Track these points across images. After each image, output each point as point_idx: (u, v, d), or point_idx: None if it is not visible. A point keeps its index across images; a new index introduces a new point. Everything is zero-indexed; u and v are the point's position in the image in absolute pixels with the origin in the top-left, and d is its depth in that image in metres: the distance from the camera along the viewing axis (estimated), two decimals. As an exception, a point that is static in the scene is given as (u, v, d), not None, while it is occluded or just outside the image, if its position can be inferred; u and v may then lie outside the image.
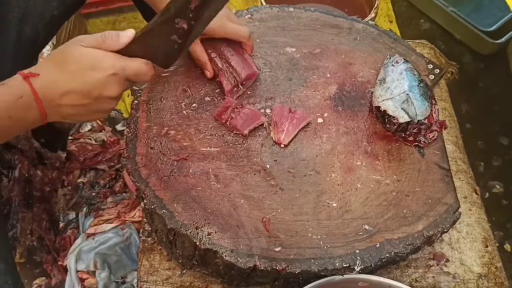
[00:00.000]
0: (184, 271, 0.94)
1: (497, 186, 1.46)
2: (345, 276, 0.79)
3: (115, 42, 0.69)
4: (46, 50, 1.33)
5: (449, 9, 1.70)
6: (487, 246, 0.99)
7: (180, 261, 0.92)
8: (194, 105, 0.91)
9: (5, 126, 0.64)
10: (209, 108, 0.91)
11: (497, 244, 1.06)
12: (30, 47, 0.89)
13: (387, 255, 0.79)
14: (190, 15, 0.69)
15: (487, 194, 1.44)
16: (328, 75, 0.97)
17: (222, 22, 0.87)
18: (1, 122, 0.63)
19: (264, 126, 0.90)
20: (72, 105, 0.68)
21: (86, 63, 0.67)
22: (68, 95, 0.67)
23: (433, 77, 1.18)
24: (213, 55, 0.91)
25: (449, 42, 1.73)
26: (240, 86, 0.91)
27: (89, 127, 1.45)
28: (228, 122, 0.88)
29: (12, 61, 0.84)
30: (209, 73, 0.91)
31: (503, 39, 1.63)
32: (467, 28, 1.67)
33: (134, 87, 0.92)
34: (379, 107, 0.89)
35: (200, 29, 0.75)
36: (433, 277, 0.95)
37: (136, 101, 0.91)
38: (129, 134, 0.87)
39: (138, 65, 0.72)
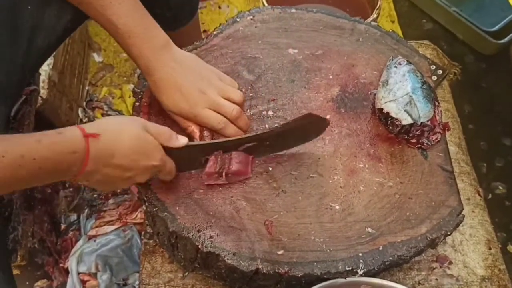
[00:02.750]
0: (186, 274, 0.94)
1: (500, 187, 1.46)
2: (348, 279, 0.78)
3: (171, 143, 0.75)
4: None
5: (451, 9, 1.69)
6: (490, 249, 0.99)
7: (182, 264, 0.92)
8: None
9: (46, 173, 0.62)
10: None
11: (500, 246, 1.06)
12: (39, 58, 0.89)
13: (390, 258, 0.79)
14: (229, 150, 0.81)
15: (490, 195, 1.44)
16: (331, 77, 0.97)
17: (193, 110, 0.83)
18: (45, 169, 0.61)
19: (266, 127, 0.89)
20: (107, 175, 0.69)
21: (143, 147, 0.71)
22: (112, 167, 0.69)
23: (436, 78, 1.17)
24: (205, 133, 0.85)
25: (451, 42, 1.73)
26: (223, 177, 0.82)
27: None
28: (224, 174, 0.82)
29: (20, 72, 0.83)
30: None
31: (506, 39, 1.62)
32: (470, 28, 1.66)
33: (135, 89, 0.92)
34: (382, 109, 0.89)
35: None
36: (436, 279, 0.94)
37: (137, 103, 0.91)
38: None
39: (172, 167, 0.78)
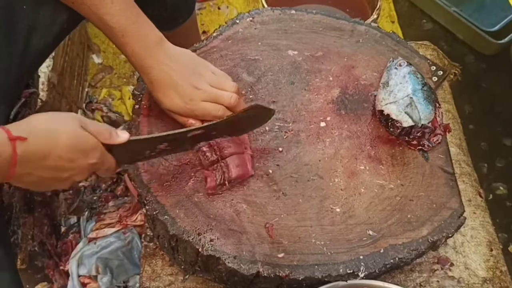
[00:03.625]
0: (187, 276, 0.93)
1: (501, 188, 1.46)
2: (349, 282, 0.78)
3: (111, 139, 0.71)
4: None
5: (452, 9, 1.69)
6: (491, 250, 0.99)
7: (182, 266, 0.92)
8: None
9: None
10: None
11: (501, 247, 1.05)
12: (37, 58, 0.89)
13: (391, 260, 0.79)
14: (174, 142, 0.77)
15: (491, 196, 1.43)
16: (331, 78, 0.96)
17: (189, 105, 0.82)
18: None
19: (266, 129, 0.89)
20: (42, 177, 0.66)
21: (79, 146, 0.66)
22: (46, 169, 0.65)
23: (436, 79, 1.17)
24: (202, 143, 0.83)
25: (451, 42, 1.72)
26: (227, 184, 0.81)
27: (90, 130, 1.45)
28: (227, 182, 0.81)
29: (17, 72, 0.84)
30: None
31: (506, 39, 1.62)
32: (470, 28, 1.66)
33: (135, 91, 0.92)
34: (383, 110, 0.88)
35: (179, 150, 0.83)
36: (438, 281, 0.94)
37: (137, 106, 0.90)
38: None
39: (112, 163, 0.74)
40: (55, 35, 0.87)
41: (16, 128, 0.62)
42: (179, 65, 0.83)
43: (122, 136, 0.72)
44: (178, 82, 0.82)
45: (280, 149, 0.88)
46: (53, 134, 0.64)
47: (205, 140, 0.83)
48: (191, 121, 0.85)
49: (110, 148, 0.72)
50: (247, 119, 0.82)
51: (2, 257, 0.79)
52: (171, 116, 0.87)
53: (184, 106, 0.83)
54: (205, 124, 0.80)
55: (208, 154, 0.83)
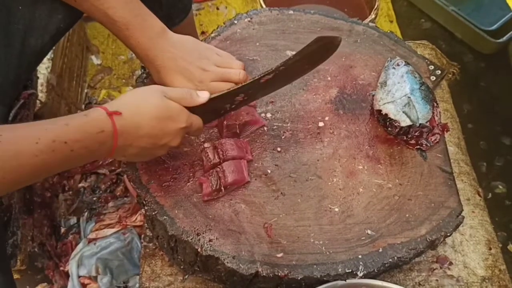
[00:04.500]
0: (186, 276, 0.94)
1: (500, 187, 1.46)
2: (348, 281, 0.78)
3: (193, 101, 0.77)
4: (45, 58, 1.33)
5: (450, 8, 1.69)
6: (490, 249, 0.99)
7: (182, 267, 0.92)
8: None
9: (79, 155, 0.65)
10: (213, 126, 0.90)
11: (500, 245, 1.05)
12: (34, 58, 0.89)
13: (390, 260, 0.79)
14: (249, 91, 0.83)
15: (490, 195, 1.43)
16: (329, 78, 0.96)
17: (200, 83, 0.85)
18: (77, 151, 0.64)
19: (264, 130, 0.89)
20: (141, 147, 0.72)
21: (167, 114, 0.73)
22: (143, 138, 0.71)
23: (434, 78, 1.17)
24: (206, 145, 0.85)
25: (450, 41, 1.73)
26: (222, 190, 0.82)
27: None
28: (223, 187, 0.81)
29: (15, 71, 0.84)
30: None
31: (504, 38, 1.62)
32: (468, 28, 1.66)
33: None
34: (381, 110, 0.89)
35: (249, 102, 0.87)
36: (437, 280, 0.94)
37: None
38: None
39: (200, 123, 0.80)
40: (52, 35, 0.88)
41: (110, 105, 0.69)
42: (184, 51, 0.85)
43: (202, 96, 0.78)
44: (186, 67, 0.84)
45: (279, 149, 0.88)
46: (142, 107, 0.71)
47: (274, 86, 0.86)
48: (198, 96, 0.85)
49: (193, 109, 0.77)
50: (313, 54, 0.84)
51: None
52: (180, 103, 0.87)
53: (196, 89, 0.83)
54: (275, 66, 0.82)
55: (210, 156, 0.83)
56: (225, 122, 0.86)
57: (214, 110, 0.84)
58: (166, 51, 0.84)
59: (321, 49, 0.84)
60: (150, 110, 0.71)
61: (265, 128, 0.90)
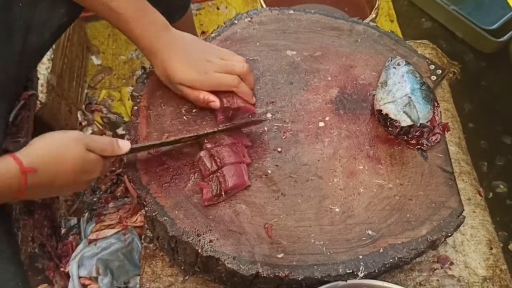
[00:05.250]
0: (187, 277, 0.93)
1: (501, 186, 1.45)
2: (349, 281, 0.78)
3: (115, 153, 0.77)
4: (45, 54, 1.33)
5: (451, 7, 1.69)
6: (491, 249, 0.99)
7: (182, 267, 0.92)
8: (194, 110, 0.90)
9: None
10: (209, 113, 0.90)
11: (501, 245, 1.05)
12: (34, 55, 0.90)
13: (391, 260, 0.79)
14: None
15: (491, 194, 1.43)
16: (329, 78, 0.96)
17: (203, 76, 0.85)
18: None
19: (265, 130, 0.89)
20: (47, 194, 0.76)
21: (83, 168, 0.72)
22: (50, 190, 0.72)
23: (435, 78, 1.17)
24: (202, 153, 0.84)
25: (450, 41, 1.72)
26: (223, 195, 0.81)
27: (90, 131, 1.45)
28: (224, 192, 0.81)
29: (16, 68, 0.84)
30: (215, 103, 0.87)
31: (505, 37, 1.62)
32: (469, 27, 1.66)
33: (134, 93, 0.92)
34: (381, 110, 0.88)
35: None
36: (438, 280, 0.94)
37: (136, 107, 0.90)
38: (130, 140, 0.87)
39: (107, 167, 0.80)
40: (52, 32, 0.89)
41: (25, 158, 0.66)
42: (188, 45, 0.87)
43: (123, 148, 0.78)
44: (191, 56, 0.85)
45: (279, 149, 0.88)
46: (60, 162, 0.69)
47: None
48: (204, 95, 0.86)
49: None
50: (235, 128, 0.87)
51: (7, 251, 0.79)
52: (181, 93, 0.88)
53: (199, 78, 0.85)
54: (200, 134, 0.84)
55: (208, 164, 0.82)
56: (204, 190, 0.83)
57: (135, 155, 0.85)
58: (171, 44, 0.85)
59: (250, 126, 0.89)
60: (67, 165, 0.70)
61: (265, 128, 0.90)
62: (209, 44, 0.92)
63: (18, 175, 0.65)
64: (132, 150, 0.80)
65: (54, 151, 0.70)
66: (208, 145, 0.84)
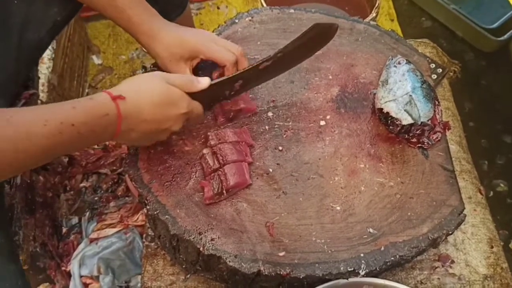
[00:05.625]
0: (188, 276, 0.94)
1: (501, 185, 1.46)
2: (350, 280, 0.78)
3: (194, 87, 0.79)
4: (46, 54, 1.33)
5: (451, 6, 1.69)
6: (492, 247, 0.99)
7: (184, 266, 0.92)
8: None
9: (85, 137, 0.67)
10: (210, 112, 0.90)
11: (502, 243, 1.05)
12: (32, 52, 0.90)
13: (392, 258, 0.79)
14: (248, 78, 0.85)
15: (491, 193, 1.44)
16: (330, 77, 0.96)
17: (208, 43, 0.87)
18: (83, 133, 0.66)
19: (266, 129, 0.89)
20: (143, 131, 0.74)
21: (169, 100, 0.75)
22: (145, 123, 0.73)
23: (435, 76, 1.17)
24: (205, 151, 0.84)
25: (451, 40, 1.73)
26: (224, 193, 0.82)
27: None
28: (225, 190, 0.81)
29: (14, 66, 0.85)
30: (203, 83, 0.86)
31: (505, 36, 1.62)
32: (469, 26, 1.66)
33: None
34: (382, 108, 0.89)
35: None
36: (439, 278, 0.94)
37: None
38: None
39: (200, 109, 0.82)
40: (49, 28, 0.90)
41: (113, 90, 0.71)
42: (187, 27, 0.90)
43: (203, 82, 0.80)
44: (191, 30, 0.89)
45: (280, 148, 0.88)
46: (144, 93, 0.73)
47: (273, 73, 0.89)
48: (195, 79, 0.86)
49: (194, 95, 0.79)
50: (311, 41, 0.85)
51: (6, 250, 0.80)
52: (179, 69, 0.88)
53: (202, 44, 0.87)
54: (274, 53, 0.83)
55: (210, 162, 0.83)
56: (206, 188, 0.83)
57: (214, 97, 0.86)
58: (168, 24, 0.87)
59: (318, 36, 0.85)
60: (152, 95, 0.73)
61: (267, 127, 0.90)
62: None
63: (110, 102, 0.68)
64: (211, 86, 0.80)
65: (138, 83, 0.74)
66: (212, 142, 0.85)
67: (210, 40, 0.88)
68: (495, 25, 1.64)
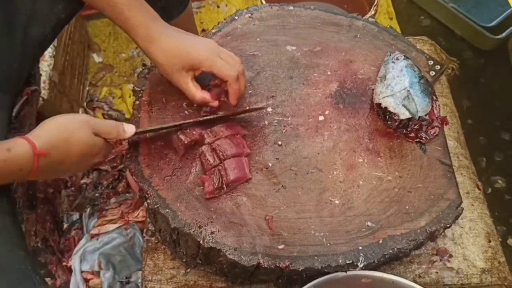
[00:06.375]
0: (188, 270, 0.94)
1: (500, 182, 1.46)
2: (349, 272, 0.79)
3: (119, 135, 0.80)
4: (48, 51, 1.34)
5: (449, 5, 1.70)
6: (490, 241, 0.99)
7: (184, 260, 0.93)
8: (195, 104, 0.91)
9: None
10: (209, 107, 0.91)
11: (500, 239, 1.06)
12: (36, 48, 0.91)
13: (390, 251, 0.80)
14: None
15: (490, 190, 1.44)
16: (329, 73, 0.97)
17: (211, 57, 0.85)
18: None
19: (265, 124, 0.90)
20: (57, 175, 0.78)
21: (90, 152, 0.76)
22: (61, 171, 0.76)
23: (433, 73, 1.18)
24: (204, 148, 0.85)
25: (449, 38, 1.73)
26: (224, 187, 0.82)
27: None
28: (225, 185, 0.82)
29: (19, 62, 0.86)
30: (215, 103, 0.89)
31: (503, 34, 1.63)
32: (467, 24, 1.67)
33: (135, 88, 0.93)
34: (380, 104, 0.89)
35: None
36: (437, 272, 0.95)
37: (137, 102, 0.91)
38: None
39: (109, 151, 0.82)
40: (53, 25, 0.90)
41: (38, 141, 0.70)
42: (185, 33, 0.88)
43: (128, 131, 0.81)
44: (191, 37, 0.87)
45: (280, 142, 0.89)
46: (70, 145, 0.73)
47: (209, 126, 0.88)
48: (201, 94, 0.87)
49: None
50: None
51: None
52: (180, 83, 0.87)
53: (206, 56, 0.84)
54: (200, 118, 0.86)
55: (210, 158, 0.83)
56: (206, 183, 0.84)
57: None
58: (168, 29, 0.85)
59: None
60: (76, 148, 0.73)
61: (266, 122, 0.90)
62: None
63: (31, 157, 0.69)
64: (136, 134, 0.82)
65: (64, 134, 0.73)
66: (208, 140, 0.85)
67: (214, 53, 0.85)
68: (493, 23, 1.65)
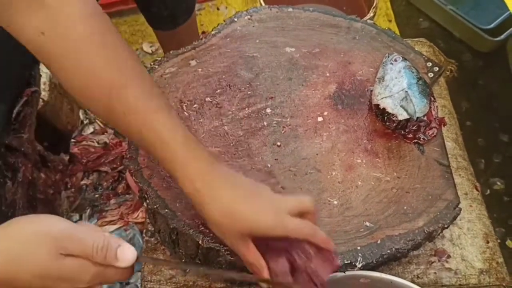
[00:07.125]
0: (188, 270, 0.95)
1: (498, 183, 1.47)
2: (347, 272, 0.79)
3: (106, 262, 0.58)
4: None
5: (448, 7, 1.71)
6: (488, 242, 1.00)
7: (183, 260, 0.93)
8: (195, 105, 0.92)
9: None
10: (210, 108, 0.92)
11: (499, 241, 1.06)
12: None
13: (388, 251, 0.80)
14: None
15: (488, 191, 1.45)
16: (328, 74, 0.98)
17: (280, 217, 0.63)
18: None
19: (264, 125, 0.91)
20: None
21: (56, 274, 0.56)
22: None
23: (432, 75, 1.18)
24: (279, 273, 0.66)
25: (448, 40, 1.74)
26: None
27: (91, 129, 1.46)
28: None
29: (20, 63, 0.86)
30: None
31: (502, 36, 1.64)
32: (466, 26, 1.68)
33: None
34: (378, 105, 0.90)
35: None
36: (435, 273, 0.95)
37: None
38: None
39: (118, 277, 0.61)
40: None
41: None
42: (245, 181, 0.69)
43: (124, 259, 0.61)
44: (260, 189, 0.67)
45: (278, 143, 0.89)
46: (24, 261, 0.55)
47: None
48: (261, 263, 0.65)
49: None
50: None
51: None
52: (239, 249, 0.66)
53: (274, 219, 0.63)
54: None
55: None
56: None
57: None
58: (225, 180, 0.66)
59: None
60: (33, 267, 0.55)
61: (265, 123, 0.91)
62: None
63: None
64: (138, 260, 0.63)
65: (20, 245, 0.56)
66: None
67: (277, 211, 0.63)
68: (491, 26, 1.66)
